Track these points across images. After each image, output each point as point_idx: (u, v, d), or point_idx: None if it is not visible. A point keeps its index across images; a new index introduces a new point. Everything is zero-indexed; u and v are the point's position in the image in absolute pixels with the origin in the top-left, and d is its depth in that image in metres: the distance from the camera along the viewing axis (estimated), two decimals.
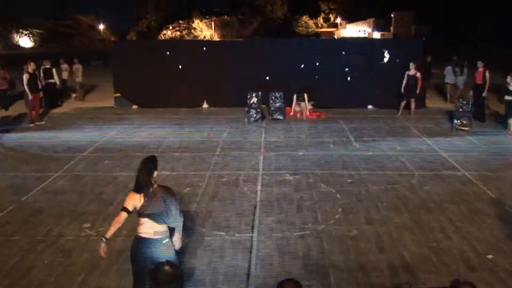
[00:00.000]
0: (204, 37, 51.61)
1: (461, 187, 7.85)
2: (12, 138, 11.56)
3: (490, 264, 5.46)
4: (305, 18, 51.25)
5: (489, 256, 5.62)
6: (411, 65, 13.60)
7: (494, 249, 5.79)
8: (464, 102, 12.16)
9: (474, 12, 31.20)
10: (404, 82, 13.62)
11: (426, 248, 5.78)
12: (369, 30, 41.61)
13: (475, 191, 7.75)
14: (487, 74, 13.13)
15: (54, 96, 16.04)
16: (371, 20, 42.12)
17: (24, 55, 33.06)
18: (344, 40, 29.31)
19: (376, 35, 38.87)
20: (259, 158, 9.58)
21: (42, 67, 15.75)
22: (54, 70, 15.99)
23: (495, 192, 7.69)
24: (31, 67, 13.29)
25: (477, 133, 11.63)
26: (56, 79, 15.93)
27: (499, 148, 10.40)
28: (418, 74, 13.54)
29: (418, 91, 13.76)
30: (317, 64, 15.33)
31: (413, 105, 13.89)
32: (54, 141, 11.14)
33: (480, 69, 13.30)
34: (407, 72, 13.63)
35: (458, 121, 11.98)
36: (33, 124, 12.96)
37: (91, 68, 26.44)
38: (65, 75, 17.78)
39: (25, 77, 13.07)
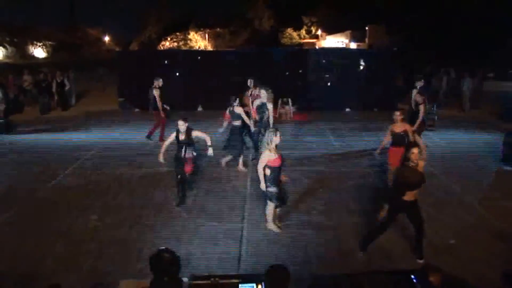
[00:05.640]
0: (199, 47, 51.36)
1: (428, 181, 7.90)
2: (25, 138, 11.42)
3: (452, 249, 5.56)
4: (289, 30, 51.15)
5: (452, 241, 5.72)
6: None
7: (456, 235, 5.88)
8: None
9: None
10: None
11: (399, 235, 5.84)
12: (347, 41, 41.80)
13: (439, 184, 7.86)
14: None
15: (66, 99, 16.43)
16: (348, 32, 42.30)
17: (39, 64, 32.95)
18: (324, 50, 29.36)
19: (353, 45, 38.94)
20: (248, 156, 9.55)
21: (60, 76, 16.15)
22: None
23: (457, 185, 7.81)
24: (158, 83, 10.51)
25: (440, 133, 11.78)
26: (67, 84, 16.29)
27: (460, 147, 10.55)
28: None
29: None
30: (300, 71, 15.39)
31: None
32: (64, 141, 11.05)
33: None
34: None
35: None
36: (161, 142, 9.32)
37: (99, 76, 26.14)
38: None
39: (157, 93, 10.43)
